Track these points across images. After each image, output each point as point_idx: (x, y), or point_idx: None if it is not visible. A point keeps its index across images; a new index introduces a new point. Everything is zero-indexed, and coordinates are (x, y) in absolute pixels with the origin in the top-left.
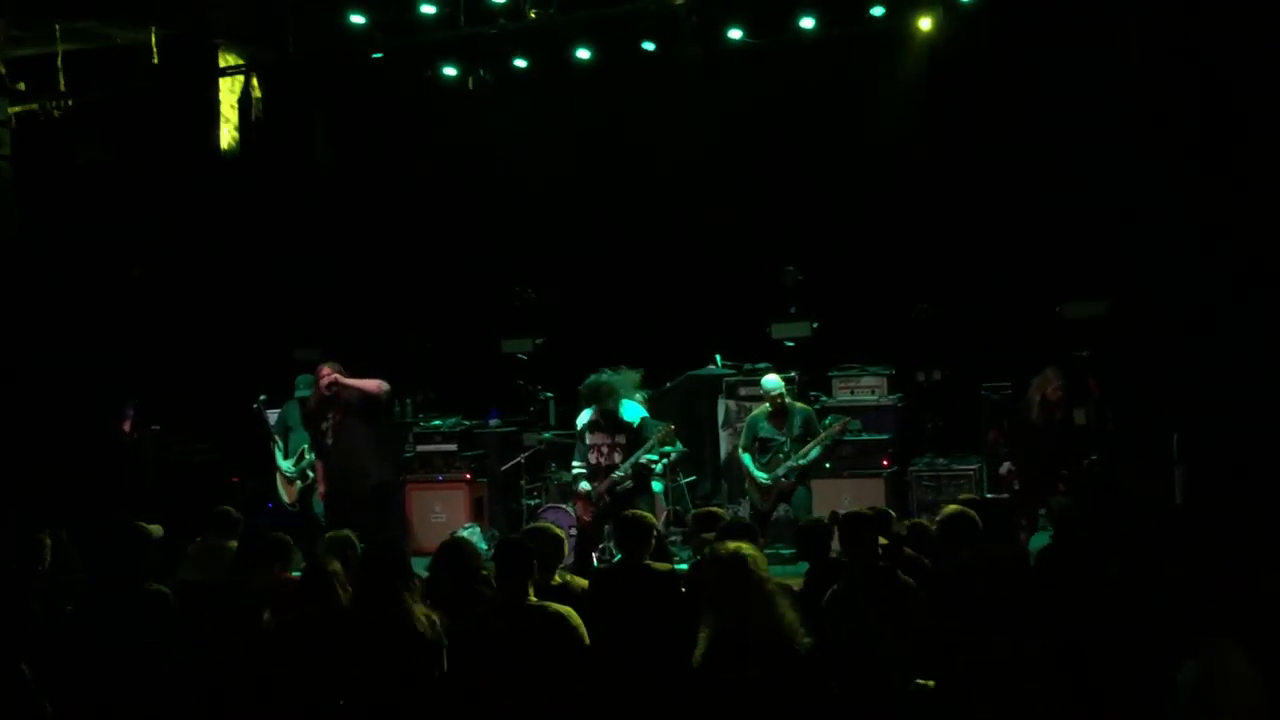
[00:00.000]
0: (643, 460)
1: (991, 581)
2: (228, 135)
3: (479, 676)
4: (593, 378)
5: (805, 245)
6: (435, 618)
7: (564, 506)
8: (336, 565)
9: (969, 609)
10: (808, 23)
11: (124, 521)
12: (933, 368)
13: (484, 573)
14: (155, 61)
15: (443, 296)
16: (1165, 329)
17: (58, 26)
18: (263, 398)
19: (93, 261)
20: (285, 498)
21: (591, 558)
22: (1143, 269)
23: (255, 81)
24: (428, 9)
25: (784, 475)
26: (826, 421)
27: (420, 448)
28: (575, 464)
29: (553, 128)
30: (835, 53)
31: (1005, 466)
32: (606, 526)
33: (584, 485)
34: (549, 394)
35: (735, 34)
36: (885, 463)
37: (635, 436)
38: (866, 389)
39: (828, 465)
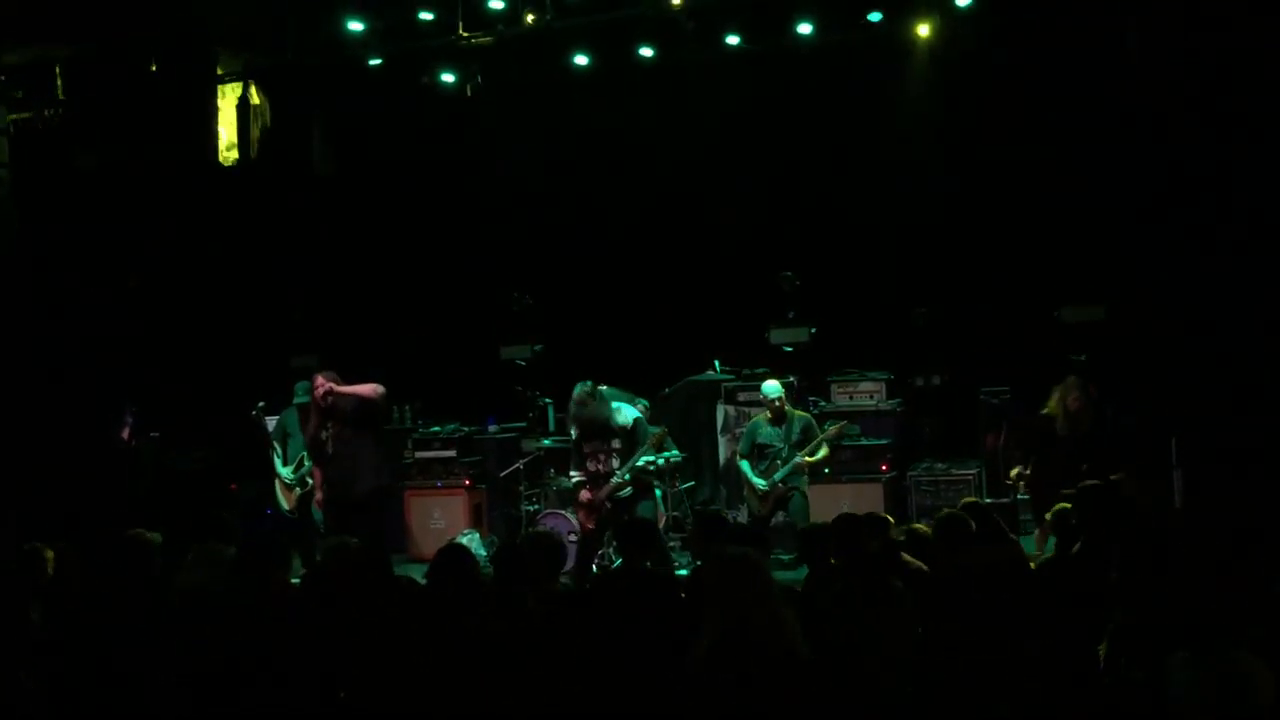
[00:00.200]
0: (639, 464)
1: (989, 584)
2: (226, 141)
3: (479, 678)
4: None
5: (803, 250)
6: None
7: (563, 512)
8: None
9: (966, 611)
10: (805, 28)
11: (126, 529)
12: (931, 372)
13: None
14: (154, 67)
15: (441, 302)
16: (1164, 331)
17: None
18: (261, 404)
19: (91, 268)
20: (284, 504)
21: (592, 564)
22: (1142, 271)
23: (255, 88)
24: (426, 15)
25: (781, 480)
26: (825, 426)
27: (419, 454)
28: (573, 473)
29: (551, 133)
30: (833, 57)
31: (1017, 471)
32: (607, 533)
33: (584, 492)
34: (548, 400)
35: (733, 40)
36: (884, 467)
37: (630, 439)
38: (865, 394)
39: (826, 470)
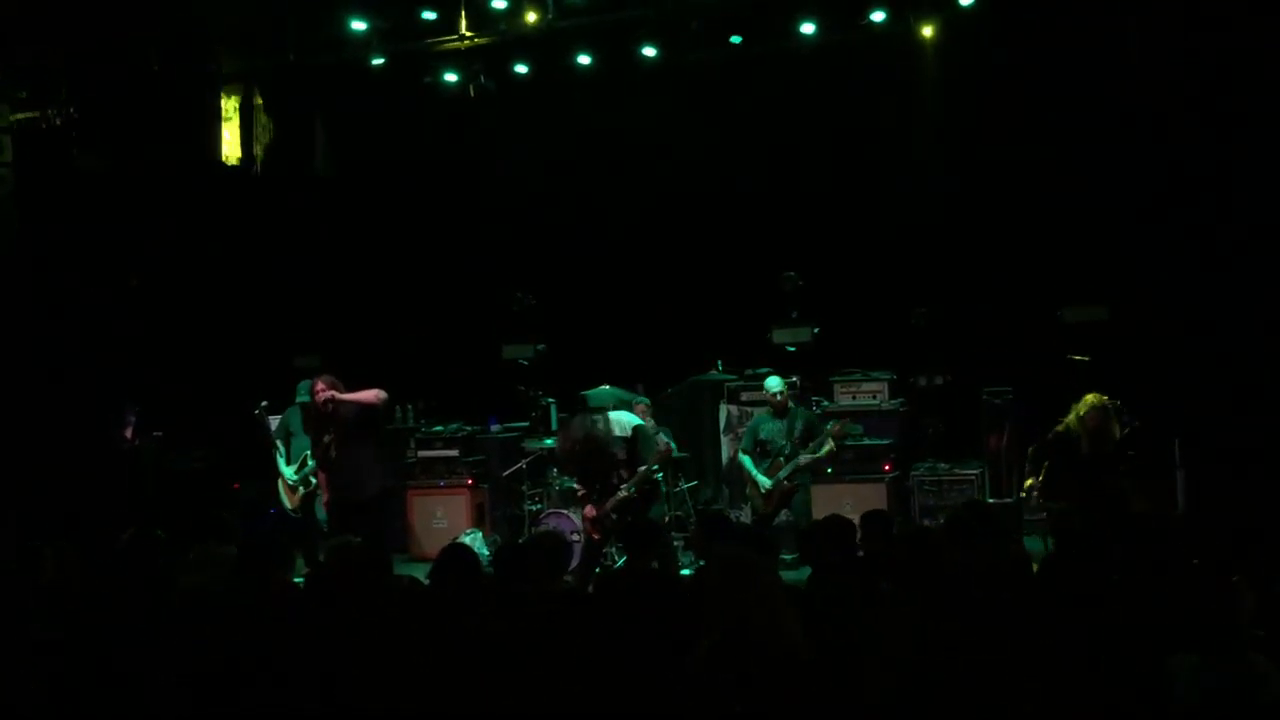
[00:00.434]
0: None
1: (989, 584)
2: (229, 141)
3: (480, 677)
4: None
5: (806, 250)
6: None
7: (566, 512)
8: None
9: (966, 611)
10: (808, 28)
11: (127, 529)
12: (934, 372)
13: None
14: (155, 67)
15: (444, 302)
16: (1166, 332)
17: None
18: (264, 403)
19: (92, 267)
20: (287, 503)
21: (596, 564)
22: (1143, 272)
23: (257, 88)
24: (428, 15)
25: (785, 478)
26: (828, 426)
27: (422, 453)
28: (577, 486)
29: (553, 133)
30: (835, 57)
31: (1030, 483)
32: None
33: (589, 510)
34: (550, 400)
35: (735, 39)
36: (887, 468)
37: (633, 446)
38: (868, 394)
39: (829, 470)
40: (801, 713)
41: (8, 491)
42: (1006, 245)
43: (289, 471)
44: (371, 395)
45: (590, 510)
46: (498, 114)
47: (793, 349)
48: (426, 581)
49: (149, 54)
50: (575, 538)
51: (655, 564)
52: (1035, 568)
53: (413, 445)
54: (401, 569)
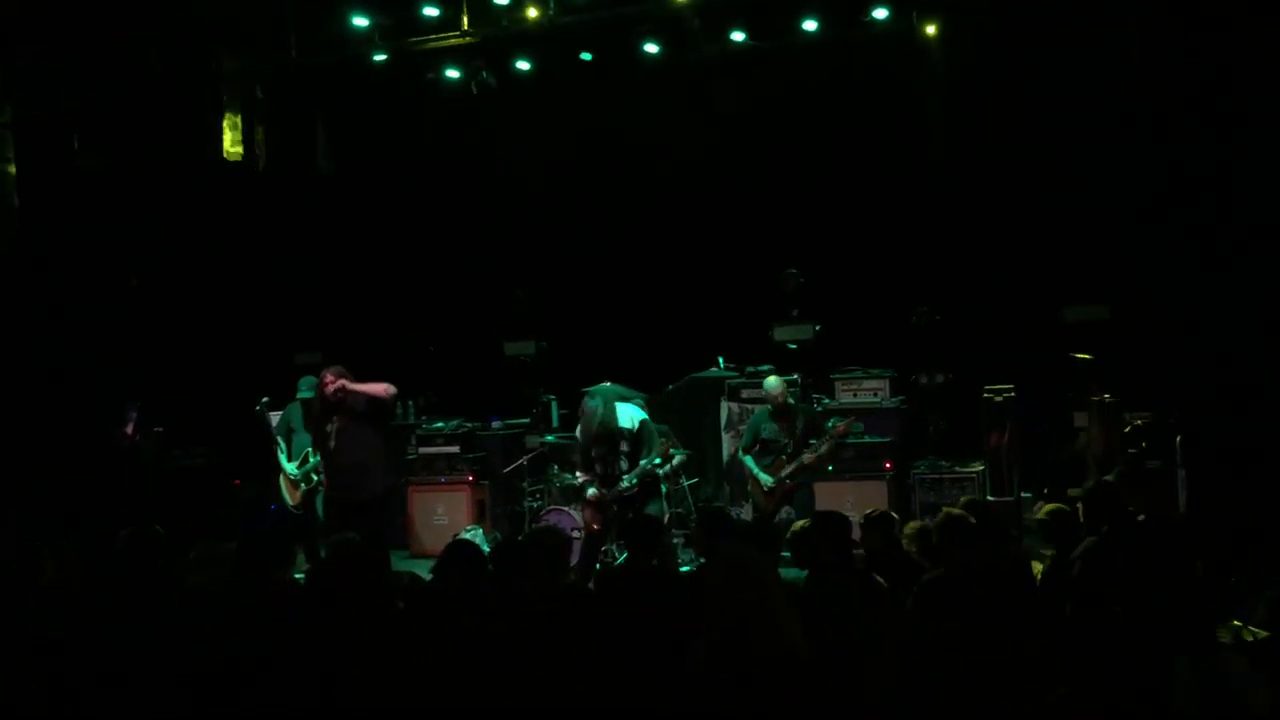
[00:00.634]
0: (648, 468)
1: (989, 584)
2: (230, 139)
3: (480, 675)
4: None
5: (807, 248)
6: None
7: (567, 509)
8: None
9: (966, 611)
10: (810, 25)
11: (127, 528)
12: (935, 370)
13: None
14: (156, 68)
15: (445, 299)
16: (1167, 331)
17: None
18: (265, 400)
19: (92, 267)
20: (289, 500)
21: (596, 560)
22: (1144, 271)
23: (258, 87)
24: (430, 11)
25: (788, 477)
26: (830, 424)
27: (422, 450)
28: (579, 475)
29: (554, 132)
30: (837, 55)
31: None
32: (611, 529)
33: (591, 490)
34: (551, 396)
35: (738, 36)
36: (888, 465)
37: (637, 441)
38: (869, 391)
39: (830, 468)
40: (801, 712)
41: (8, 491)
42: (1008, 244)
43: (290, 467)
44: (381, 388)
45: (593, 495)
46: (498, 113)
47: (794, 346)
48: (428, 577)
49: (149, 54)
50: (576, 534)
51: (655, 562)
52: (1035, 568)
53: (414, 441)
54: (401, 565)
